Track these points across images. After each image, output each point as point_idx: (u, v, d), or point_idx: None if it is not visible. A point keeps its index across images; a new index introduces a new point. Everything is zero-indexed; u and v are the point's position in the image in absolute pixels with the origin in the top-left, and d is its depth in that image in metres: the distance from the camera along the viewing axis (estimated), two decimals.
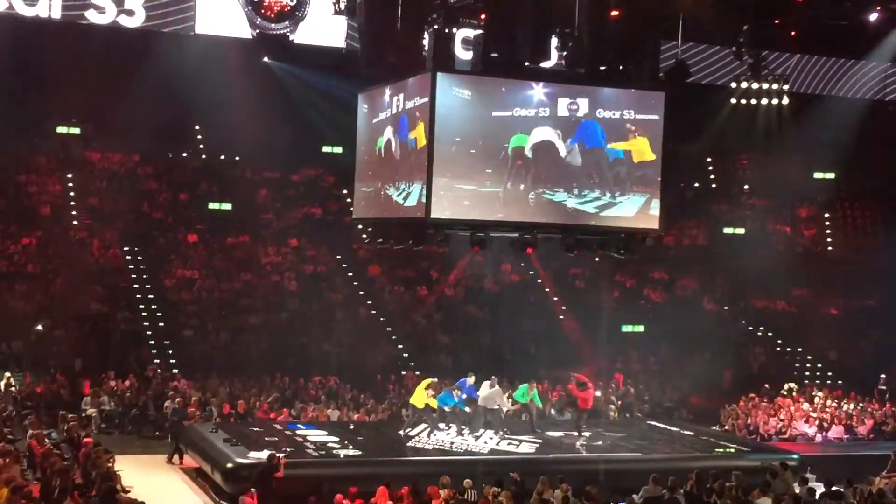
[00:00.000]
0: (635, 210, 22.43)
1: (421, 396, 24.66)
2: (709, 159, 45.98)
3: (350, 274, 37.84)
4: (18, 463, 19.39)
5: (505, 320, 35.36)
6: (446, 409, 24.70)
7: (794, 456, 23.93)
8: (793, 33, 33.68)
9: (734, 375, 36.49)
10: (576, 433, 25.04)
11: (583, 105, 21.93)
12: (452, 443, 23.80)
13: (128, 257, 36.01)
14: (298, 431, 24.67)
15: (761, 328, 39.59)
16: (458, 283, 38.14)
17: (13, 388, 28.92)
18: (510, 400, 25.82)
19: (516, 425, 25.43)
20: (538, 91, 21.64)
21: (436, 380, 26.70)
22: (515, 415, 25.93)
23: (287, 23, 36.29)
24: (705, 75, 38.26)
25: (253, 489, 19.19)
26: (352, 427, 26.27)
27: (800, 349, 38.85)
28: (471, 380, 25.30)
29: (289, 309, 35.26)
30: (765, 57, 31.77)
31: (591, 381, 26.22)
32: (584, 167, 22.05)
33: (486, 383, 25.06)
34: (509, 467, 20.71)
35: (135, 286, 34.96)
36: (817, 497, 19.41)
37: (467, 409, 24.86)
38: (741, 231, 43.14)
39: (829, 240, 45.40)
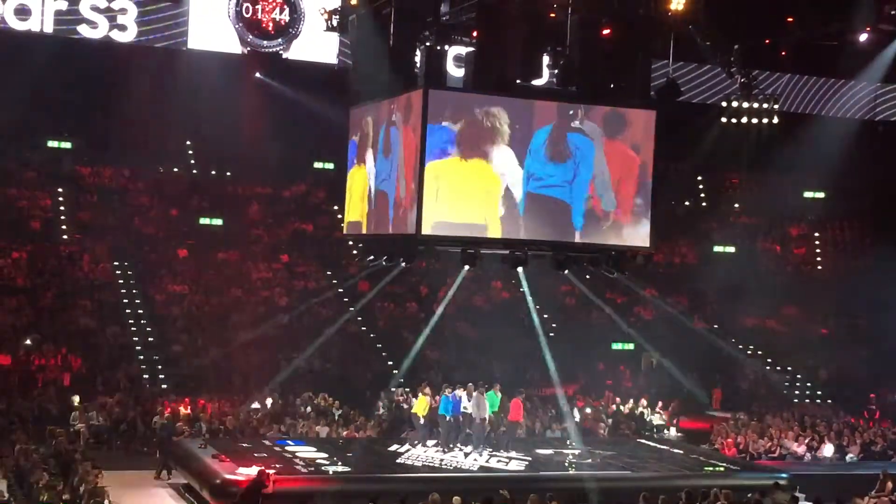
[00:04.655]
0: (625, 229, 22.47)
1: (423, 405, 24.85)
2: (699, 178, 46.13)
3: (340, 290, 37.81)
4: (5, 478, 19.33)
5: (495, 337, 35.33)
6: (448, 417, 24.70)
7: (784, 475, 23.93)
8: (783, 53, 33.86)
9: (724, 394, 36.51)
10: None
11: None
12: (442, 459, 23.77)
13: (118, 272, 35.95)
14: (287, 447, 24.63)
15: (751, 347, 39.64)
16: (448, 299, 38.09)
17: None
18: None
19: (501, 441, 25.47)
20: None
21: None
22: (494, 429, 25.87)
23: (280, 40, 36.33)
24: (696, 94, 38.40)
25: None
26: (341, 443, 26.24)
27: (790, 368, 38.90)
28: (459, 391, 25.29)
29: (279, 324, 35.21)
30: (756, 76, 31.91)
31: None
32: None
33: (475, 394, 25.02)
34: (499, 484, 20.65)
35: (124, 301, 34.89)
36: None
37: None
38: (731, 249, 43.21)
39: (818, 259, 45.50)
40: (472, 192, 20.85)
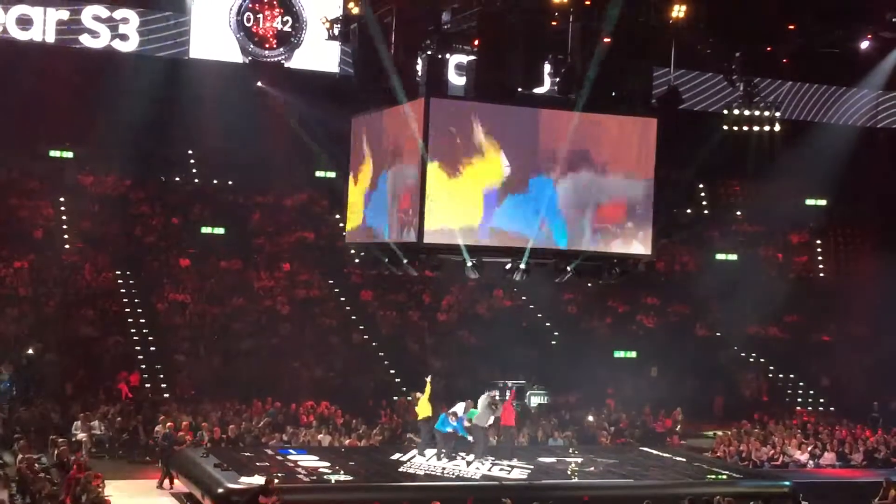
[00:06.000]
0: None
1: (425, 407, 24.76)
2: (701, 186, 46.10)
3: (342, 298, 37.79)
4: (8, 488, 19.31)
5: (497, 346, 35.29)
6: (446, 431, 24.61)
7: (787, 483, 23.90)
8: (785, 60, 33.88)
9: (726, 402, 36.48)
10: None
11: None
12: (444, 468, 23.73)
13: (120, 281, 35.95)
14: (290, 456, 24.60)
15: (753, 354, 39.59)
16: (450, 308, 38.11)
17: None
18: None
19: (500, 450, 25.41)
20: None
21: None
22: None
23: (281, 50, 36.33)
24: (697, 102, 38.39)
25: None
26: (343, 452, 26.20)
27: (792, 375, 38.86)
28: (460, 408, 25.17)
29: (281, 333, 35.18)
30: (757, 84, 31.92)
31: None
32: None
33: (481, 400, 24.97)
34: (501, 493, 20.64)
35: (126, 310, 34.89)
36: None
37: (469, 438, 24.69)
38: (733, 257, 43.20)
39: (820, 266, 45.48)
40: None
